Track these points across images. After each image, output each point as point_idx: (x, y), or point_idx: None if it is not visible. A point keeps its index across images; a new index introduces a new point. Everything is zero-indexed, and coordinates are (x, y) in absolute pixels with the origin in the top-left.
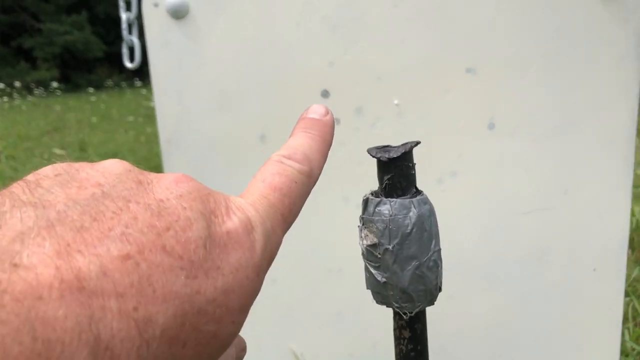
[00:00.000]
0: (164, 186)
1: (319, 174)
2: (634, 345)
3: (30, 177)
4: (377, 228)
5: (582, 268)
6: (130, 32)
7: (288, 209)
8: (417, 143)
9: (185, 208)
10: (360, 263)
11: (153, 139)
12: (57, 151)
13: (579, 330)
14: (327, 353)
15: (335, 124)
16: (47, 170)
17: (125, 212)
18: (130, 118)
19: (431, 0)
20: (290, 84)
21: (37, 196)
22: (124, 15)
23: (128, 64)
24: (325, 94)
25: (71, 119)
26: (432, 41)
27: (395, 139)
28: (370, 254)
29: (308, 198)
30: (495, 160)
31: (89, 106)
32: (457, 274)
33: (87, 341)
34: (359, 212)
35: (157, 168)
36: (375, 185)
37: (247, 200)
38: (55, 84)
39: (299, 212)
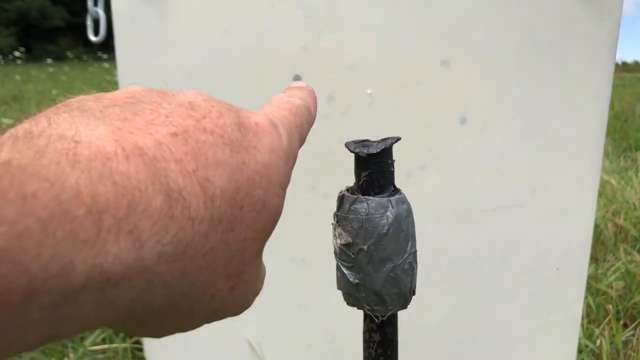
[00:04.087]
0: (189, 94)
1: (315, 117)
2: (587, 342)
3: (57, 105)
4: (351, 227)
5: (545, 267)
6: (95, 4)
7: (300, 125)
8: (398, 139)
9: (213, 106)
10: (325, 254)
11: None
12: (6, 120)
13: (538, 328)
14: (285, 344)
15: None
16: (71, 99)
17: (162, 109)
18: (93, 92)
19: None
20: (261, 67)
21: (74, 107)
22: None
23: (92, 37)
24: (297, 78)
25: (31, 90)
26: (409, 32)
27: (367, 129)
28: (344, 253)
29: None
30: (465, 155)
31: (50, 77)
32: (419, 269)
33: (160, 190)
34: (327, 201)
35: None
36: (343, 173)
37: (265, 112)
38: (17, 53)
39: (306, 136)
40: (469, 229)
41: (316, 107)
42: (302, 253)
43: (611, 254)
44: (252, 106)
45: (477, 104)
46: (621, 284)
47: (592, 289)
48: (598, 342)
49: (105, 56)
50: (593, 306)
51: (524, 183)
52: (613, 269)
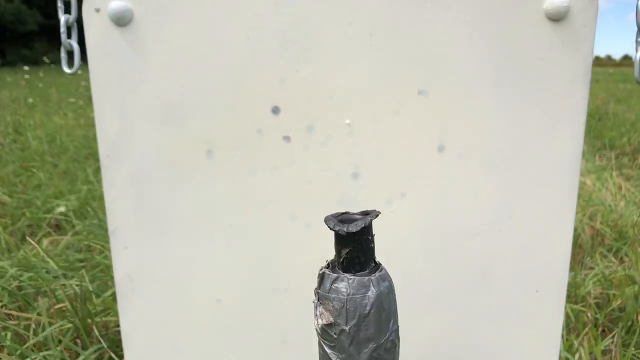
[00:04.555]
0: None
1: None
2: (568, 355)
3: None
4: (333, 307)
5: (525, 290)
6: (69, 36)
7: None
8: (377, 215)
9: None
10: (307, 284)
11: (93, 123)
12: None
13: (517, 351)
14: None
15: (286, 142)
16: None
17: None
18: (71, 99)
19: (386, 21)
20: (239, 99)
21: None
22: (62, 18)
23: (66, 70)
24: (275, 110)
25: (5, 98)
26: (385, 61)
27: (346, 159)
28: (325, 332)
29: (256, 215)
30: (444, 182)
31: (25, 84)
32: (400, 295)
33: None
34: (308, 230)
35: (96, 154)
36: (324, 204)
37: None
38: None
39: None
40: (448, 254)
41: None
42: (284, 283)
43: (589, 258)
44: (229, 140)
45: (454, 132)
46: (599, 289)
47: (571, 297)
48: (577, 355)
49: (81, 62)
50: (572, 316)
51: (502, 208)
52: (591, 275)
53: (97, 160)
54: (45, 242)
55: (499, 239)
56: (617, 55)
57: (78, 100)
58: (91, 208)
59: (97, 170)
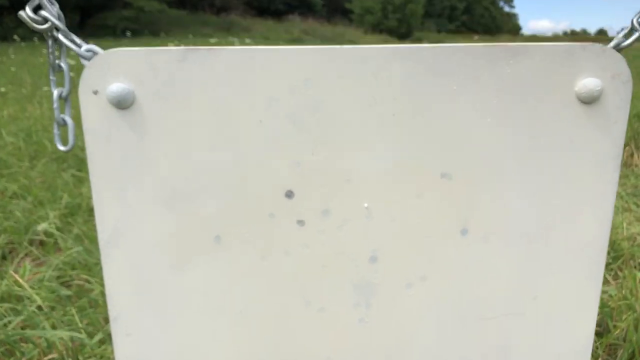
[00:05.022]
0: None
1: None
2: None
3: None
4: None
5: None
6: (62, 111)
7: None
8: None
9: None
10: None
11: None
12: None
13: None
14: None
15: (299, 225)
16: None
17: None
18: (45, 88)
19: (408, 103)
20: (250, 184)
21: None
22: (55, 92)
23: (61, 147)
24: (289, 194)
25: None
26: (408, 144)
27: (364, 242)
28: None
29: (268, 300)
30: (467, 265)
31: None
32: None
33: None
34: (322, 314)
35: (75, 155)
36: (338, 288)
37: None
38: None
39: None
40: (468, 338)
41: None
42: None
43: None
44: (240, 225)
45: (478, 214)
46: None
47: None
48: None
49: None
50: None
51: (525, 291)
52: None
53: (78, 161)
54: (28, 263)
55: (521, 322)
56: (592, 29)
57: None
58: (73, 221)
59: (75, 177)
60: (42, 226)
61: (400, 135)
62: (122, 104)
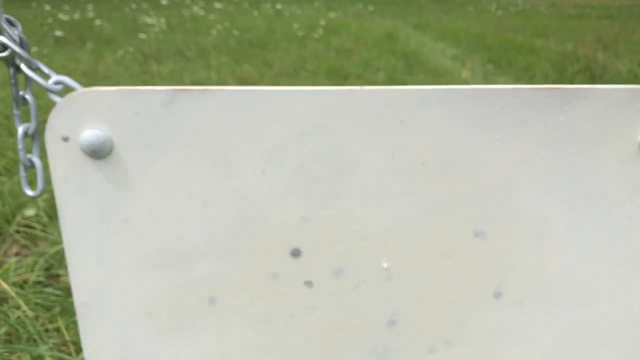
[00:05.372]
0: None
1: None
2: None
3: None
4: None
5: None
6: (30, 150)
7: None
8: None
9: None
10: None
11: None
12: None
13: None
14: None
15: (307, 287)
16: None
17: None
18: (34, 48)
19: (438, 151)
20: (251, 241)
21: None
22: (20, 129)
23: (28, 192)
24: (295, 253)
25: None
26: (436, 198)
27: (382, 305)
28: None
29: None
30: (499, 330)
31: None
32: None
33: None
34: None
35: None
36: (354, 358)
37: None
38: None
39: None
40: None
41: None
42: None
43: None
44: (237, 285)
45: (515, 276)
46: None
47: None
48: None
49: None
50: None
51: (564, 358)
52: None
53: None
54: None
55: None
56: None
57: (42, 49)
58: None
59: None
60: (30, 212)
61: (428, 187)
62: (98, 153)
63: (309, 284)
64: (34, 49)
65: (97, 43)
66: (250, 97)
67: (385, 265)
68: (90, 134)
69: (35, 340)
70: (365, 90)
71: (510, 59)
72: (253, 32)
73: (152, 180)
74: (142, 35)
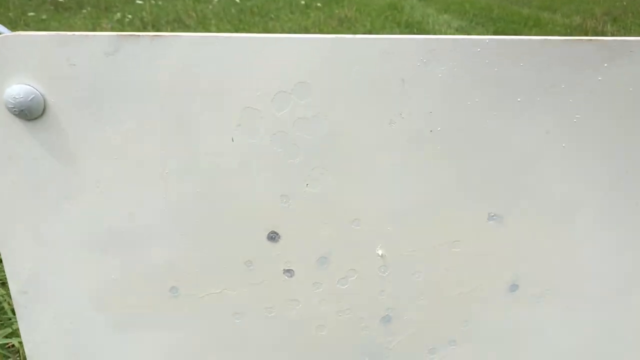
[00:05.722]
0: None
1: None
2: None
3: None
4: None
5: None
6: None
7: None
8: None
9: None
10: None
11: None
12: None
13: None
14: None
15: (287, 276)
16: None
17: None
18: (31, 13)
19: (448, 119)
20: (220, 221)
21: None
22: None
23: None
24: (273, 237)
25: None
26: (444, 175)
27: (376, 299)
28: None
29: None
30: (513, 329)
31: None
32: None
33: None
34: None
35: None
36: (343, 358)
37: None
38: None
39: None
40: None
41: None
42: None
43: None
44: (205, 272)
45: (534, 267)
46: None
47: None
48: None
49: None
50: None
51: (585, 357)
52: None
53: None
54: None
55: None
56: None
57: (40, 14)
58: None
59: None
60: None
61: (434, 162)
62: (28, 113)
63: (289, 272)
64: (31, 14)
65: (95, 9)
66: (214, 46)
67: (380, 252)
68: (17, 90)
69: None
70: (357, 40)
71: (517, 31)
72: (254, 0)
73: (96, 147)
74: (140, 2)
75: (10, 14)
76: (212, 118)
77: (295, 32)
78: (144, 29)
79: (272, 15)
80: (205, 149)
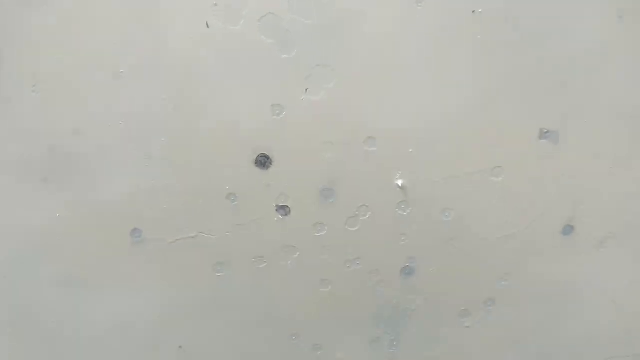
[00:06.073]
0: None
1: None
2: None
3: None
4: None
5: None
6: None
7: None
8: None
9: None
10: None
11: None
12: None
13: None
14: None
15: (282, 214)
16: None
17: None
18: None
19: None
20: (191, 139)
21: None
22: None
23: None
24: (262, 161)
25: None
26: (481, 74)
27: (390, 247)
28: None
29: None
30: (565, 282)
31: None
32: None
33: None
34: None
35: None
36: None
37: None
38: None
39: None
40: None
41: None
42: None
43: None
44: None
45: (595, 205)
46: None
47: None
48: None
49: None
50: None
51: None
52: None
53: None
54: None
55: None
56: None
57: None
58: None
59: None
60: None
61: (474, 57)
62: None
63: (283, 210)
64: None
65: None
66: None
67: (399, 183)
68: None
69: None
70: None
71: None
72: None
73: (28, 34)
74: None
75: None
76: None
77: None
78: None
79: None
80: (173, 40)
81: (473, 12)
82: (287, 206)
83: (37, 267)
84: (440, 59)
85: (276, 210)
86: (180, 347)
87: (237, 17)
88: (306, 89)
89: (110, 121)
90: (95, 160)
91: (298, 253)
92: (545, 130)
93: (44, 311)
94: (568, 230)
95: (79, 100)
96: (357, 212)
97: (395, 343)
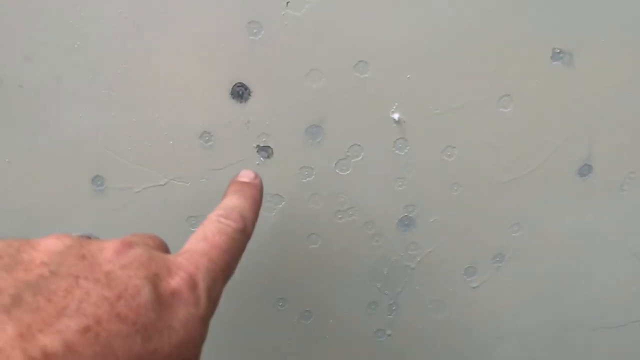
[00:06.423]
0: (107, 258)
1: (253, 231)
2: None
3: None
4: None
5: None
6: None
7: (227, 264)
8: None
9: (130, 277)
10: None
11: None
12: None
13: None
14: None
15: (263, 156)
16: None
17: (77, 289)
18: None
19: None
20: (154, 60)
21: None
22: None
23: None
24: (239, 92)
25: None
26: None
27: (386, 194)
28: None
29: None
30: (581, 231)
31: None
32: None
33: None
34: None
35: None
36: None
37: (189, 259)
38: None
39: (236, 265)
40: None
41: (260, 201)
42: None
43: None
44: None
45: (616, 141)
46: None
47: None
48: None
49: None
50: None
51: None
52: None
53: None
54: None
55: None
56: None
57: None
58: None
59: None
60: None
61: None
62: None
63: (265, 151)
64: None
65: None
66: None
67: (395, 116)
68: None
69: None
70: None
71: None
72: None
73: None
74: None
75: None
76: None
77: None
78: None
79: None
80: None
81: None
82: (269, 146)
83: None
84: None
85: (257, 151)
86: None
87: None
88: (287, 2)
89: (59, 40)
90: (43, 89)
91: (284, 203)
92: (558, 51)
93: None
94: (586, 170)
95: (30, 23)
96: (348, 153)
97: (394, 308)
